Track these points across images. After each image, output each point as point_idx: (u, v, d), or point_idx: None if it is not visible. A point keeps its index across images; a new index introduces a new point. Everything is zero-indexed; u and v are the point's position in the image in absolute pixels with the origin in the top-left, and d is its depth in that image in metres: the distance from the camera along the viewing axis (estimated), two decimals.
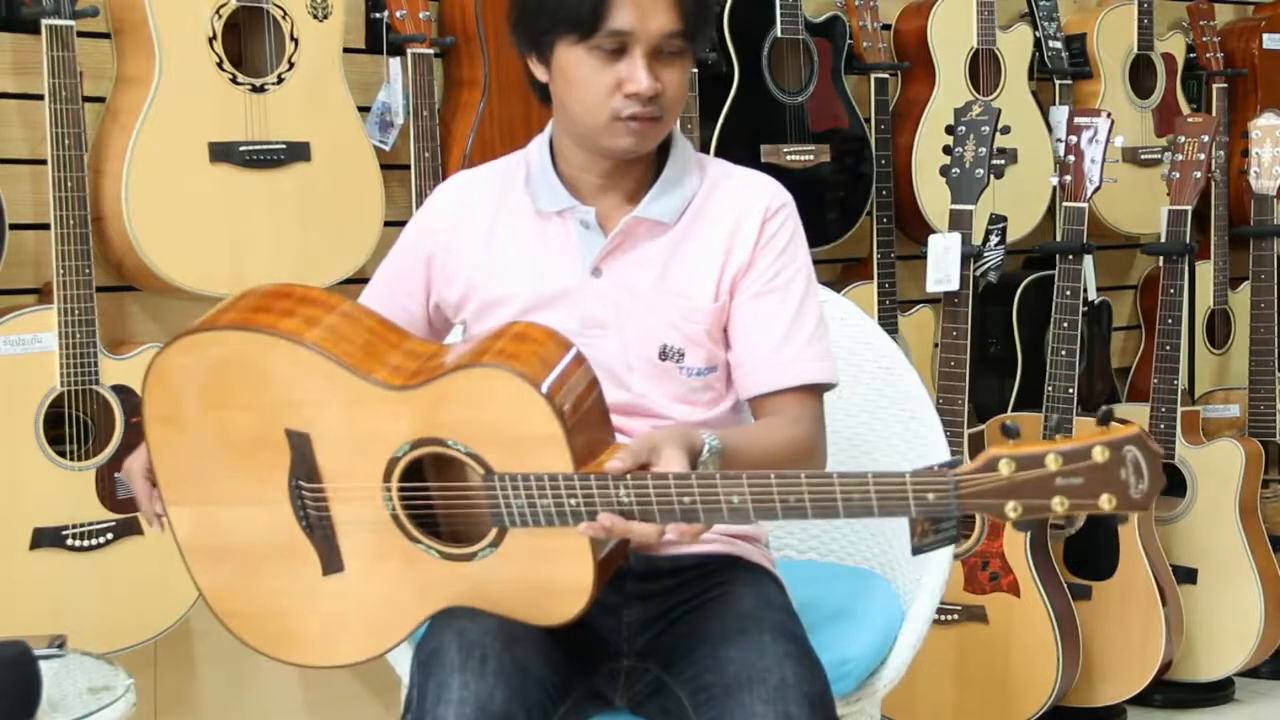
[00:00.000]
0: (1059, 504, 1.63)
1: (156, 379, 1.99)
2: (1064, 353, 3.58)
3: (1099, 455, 1.62)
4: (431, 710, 1.84)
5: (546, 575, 1.88)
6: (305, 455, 1.94)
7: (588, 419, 1.88)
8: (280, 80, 2.98)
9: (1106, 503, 1.62)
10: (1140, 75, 4.25)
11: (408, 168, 3.18)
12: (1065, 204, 3.61)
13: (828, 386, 2.13)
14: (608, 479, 1.80)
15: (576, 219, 2.11)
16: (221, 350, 1.97)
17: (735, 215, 2.11)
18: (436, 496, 1.92)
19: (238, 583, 2.01)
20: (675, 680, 2.00)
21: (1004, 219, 3.65)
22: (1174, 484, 3.75)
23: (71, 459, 2.80)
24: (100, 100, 2.93)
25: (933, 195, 3.73)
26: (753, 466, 1.86)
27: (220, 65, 2.91)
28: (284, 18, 2.97)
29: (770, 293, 2.10)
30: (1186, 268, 3.77)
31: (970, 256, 3.44)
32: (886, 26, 3.88)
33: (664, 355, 2.09)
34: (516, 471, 1.83)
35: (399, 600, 1.94)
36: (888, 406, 2.55)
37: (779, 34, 3.61)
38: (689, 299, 2.09)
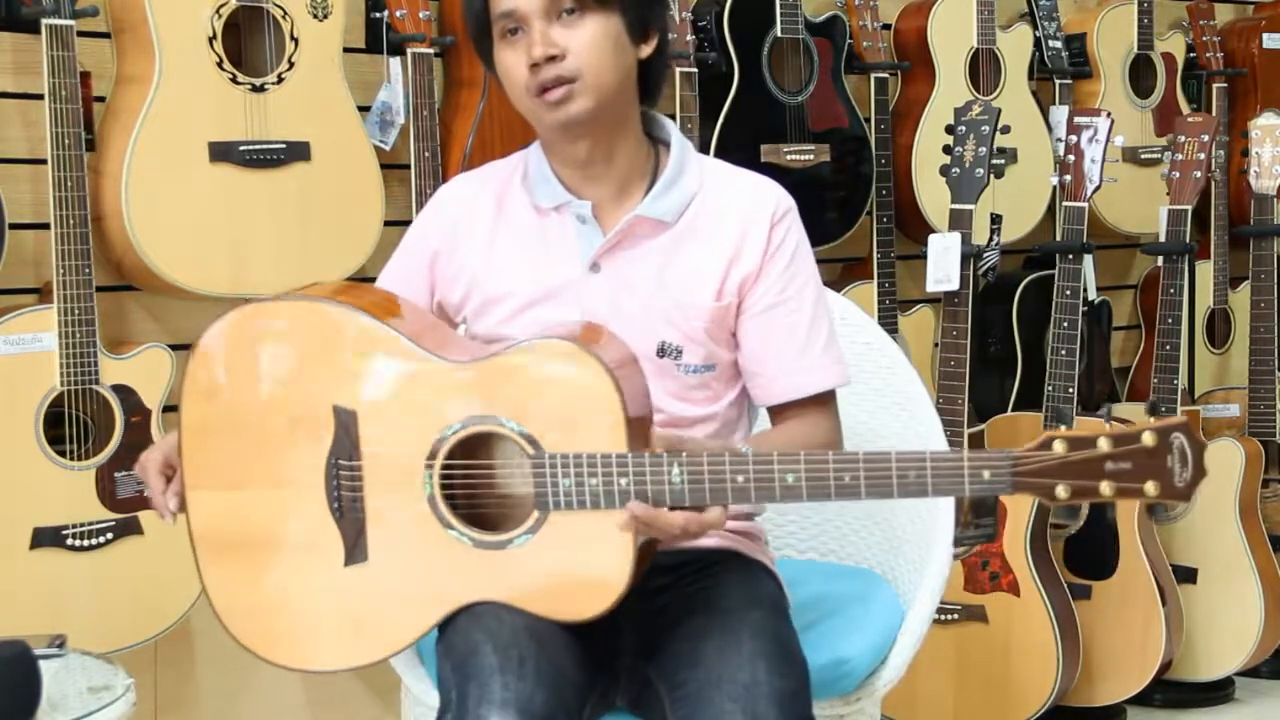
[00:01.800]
0: (1106, 488, 1.68)
1: (205, 353, 1.97)
2: (1064, 352, 3.58)
3: (1148, 440, 1.68)
4: (474, 711, 1.82)
5: (583, 564, 1.86)
6: (349, 433, 1.92)
7: (640, 408, 1.88)
8: (280, 80, 2.98)
9: (1152, 488, 1.68)
10: (1140, 75, 4.25)
11: (408, 168, 3.18)
12: (1065, 204, 3.61)
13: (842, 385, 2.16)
14: (662, 457, 1.79)
15: (574, 214, 2.11)
16: (279, 322, 1.96)
17: (740, 217, 2.12)
18: (479, 477, 1.91)
19: (247, 577, 1.98)
20: (657, 676, 2.00)
21: (999, 218, 3.66)
22: None
23: (71, 459, 2.80)
24: (101, 100, 2.93)
25: (933, 195, 3.73)
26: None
27: (220, 65, 2.91)
28: (284, 17, 2.97)
29: (784, 303, 2.11)
30: (1186, 267, 3.77)
31: (970, 256, 3.44)
32: (886, 26, 3.88)
33: (661, 352, 2.10)
34: (567, 451, 1.82)
35: (418, 595, 1.93)
36: (888, 406, 2.55)
37: (779, 34, 3.61)
38: (688, 296, 2.10)
